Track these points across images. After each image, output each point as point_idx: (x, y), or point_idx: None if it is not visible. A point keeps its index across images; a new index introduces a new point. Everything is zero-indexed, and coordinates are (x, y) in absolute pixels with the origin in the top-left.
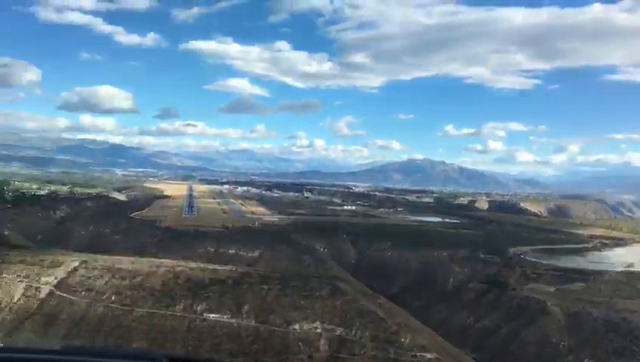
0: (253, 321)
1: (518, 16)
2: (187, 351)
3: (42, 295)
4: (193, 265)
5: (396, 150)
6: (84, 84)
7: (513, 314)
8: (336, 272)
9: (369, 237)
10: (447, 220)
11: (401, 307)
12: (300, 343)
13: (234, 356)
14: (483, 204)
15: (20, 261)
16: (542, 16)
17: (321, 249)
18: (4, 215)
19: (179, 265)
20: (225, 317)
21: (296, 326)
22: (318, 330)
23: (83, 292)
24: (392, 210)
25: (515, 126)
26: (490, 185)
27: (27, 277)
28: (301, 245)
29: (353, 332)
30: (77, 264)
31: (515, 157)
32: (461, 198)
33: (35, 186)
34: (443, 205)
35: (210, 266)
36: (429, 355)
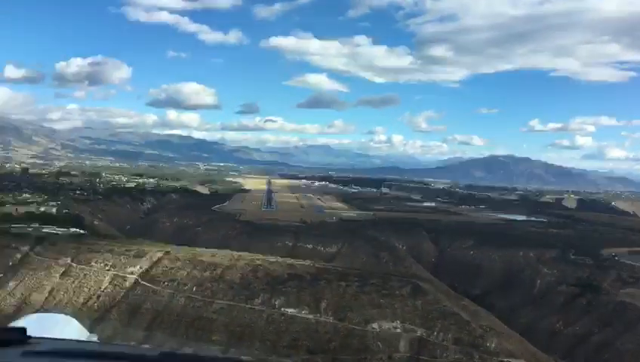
0: (332, 318)
1: (610, 5)
2: (266, 345)
3: (127, 284)
4: (272, 259)
5: (477, 146)
6: (170, 81)
7: (607, 319)
8: (415, 271)
9: (450, 235)
10: (533, 219)
11: (484, 309)
12: (379, 342)
13: (312, 352)
14: (571, 203)
15: (108, 250)
16: (637, 4)
17: (400, 246)
18: (96, 206)
19: (257, 259)
20: (303, 312)
21: (375, 325)
22: (398, 330)
23: (166, 283)
24: (473, 207)
25: (605, 120)
26: (578, 182)
27: (114, 266)
28: (379, 241)
29: (435, 333)
30: (161, 255)
31: (605, 153)
32: (547, 196)
33: (124, 179)
34: (528, 203)
35: (289, 261)
36: None
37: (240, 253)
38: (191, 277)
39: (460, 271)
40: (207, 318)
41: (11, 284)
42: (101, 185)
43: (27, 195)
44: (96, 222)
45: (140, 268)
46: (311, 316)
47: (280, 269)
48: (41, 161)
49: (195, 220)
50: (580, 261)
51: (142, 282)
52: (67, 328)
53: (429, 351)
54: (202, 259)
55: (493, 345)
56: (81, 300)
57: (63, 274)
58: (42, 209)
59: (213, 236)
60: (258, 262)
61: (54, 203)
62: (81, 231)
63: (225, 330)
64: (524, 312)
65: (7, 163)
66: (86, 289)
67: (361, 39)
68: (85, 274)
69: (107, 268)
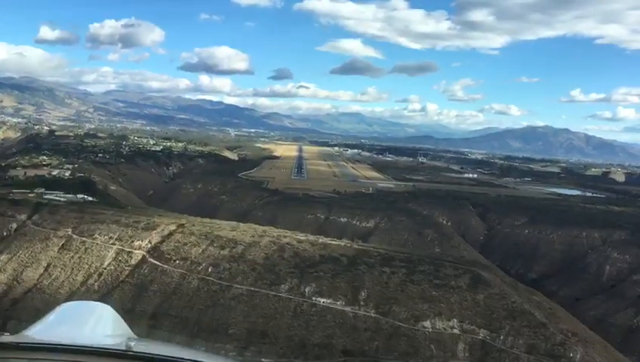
0: (373, 312)
1: None
2: (292, 343)
3: (133, 261)
4: (301, 236)
5: (514, 116)
6: (203, 45)
7: None
8: (464, 251)
9: (499, 211)
10: (590, 194)
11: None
12: (431, 345)
13: (348, 353)
14: (619, 176)
15: (115, 221)
16: None
17: (445, 221)
18: (117, 170)
19: (284, 236)
20: (338, 303)
21: (427, 323)
22: (456, 331)
23: (177, 261)
24: (518, 179)
25: None
26: (619, 155)
27: (120, 239)
28: (421, 216)
29: (502, 337)
30: (173, 228)
31: None
32: (593, 169)
33: (151, 142)
34: (574, 176)
35: (321, 240)
36: None
37: (264, 228)
38: (206, 256)
39: (512, 251)
40: (224, 306)
41: (3, 258)
42: (126, 148)
43: (45, 158)
44: (113, 187)
45: (149, 242)
46: (348, 308)
47: (311, 249)
48: (72, 124)
49: (220, 187)
50: None
51: (150, 259)
52: (103, 319)
53: (495, 359)
54: (220, 234)
55: (577, 356)
56: (80, 278)
57: (62, 248)
58: (55, 173)
59: (238, 205)
60: (285, 240)
61: (69, 166)
62: (90, 198)
63: (244, 322)
64: (590, 303)
65: (36, 125)
66: (86, 266)
67: (398, 2)
68: (87, 248)
69: (112, 241)
